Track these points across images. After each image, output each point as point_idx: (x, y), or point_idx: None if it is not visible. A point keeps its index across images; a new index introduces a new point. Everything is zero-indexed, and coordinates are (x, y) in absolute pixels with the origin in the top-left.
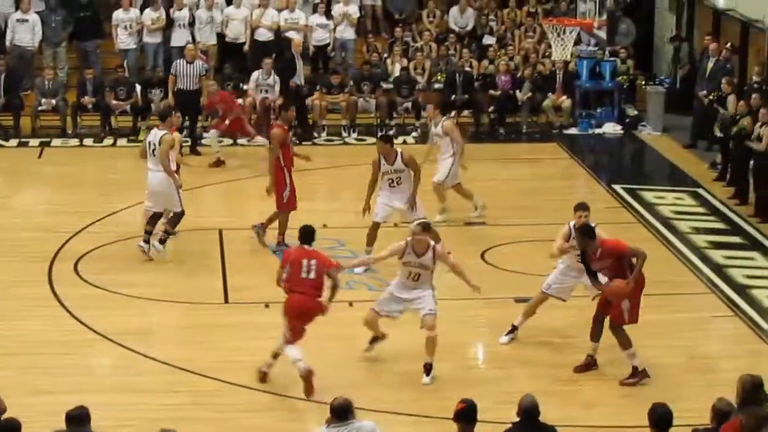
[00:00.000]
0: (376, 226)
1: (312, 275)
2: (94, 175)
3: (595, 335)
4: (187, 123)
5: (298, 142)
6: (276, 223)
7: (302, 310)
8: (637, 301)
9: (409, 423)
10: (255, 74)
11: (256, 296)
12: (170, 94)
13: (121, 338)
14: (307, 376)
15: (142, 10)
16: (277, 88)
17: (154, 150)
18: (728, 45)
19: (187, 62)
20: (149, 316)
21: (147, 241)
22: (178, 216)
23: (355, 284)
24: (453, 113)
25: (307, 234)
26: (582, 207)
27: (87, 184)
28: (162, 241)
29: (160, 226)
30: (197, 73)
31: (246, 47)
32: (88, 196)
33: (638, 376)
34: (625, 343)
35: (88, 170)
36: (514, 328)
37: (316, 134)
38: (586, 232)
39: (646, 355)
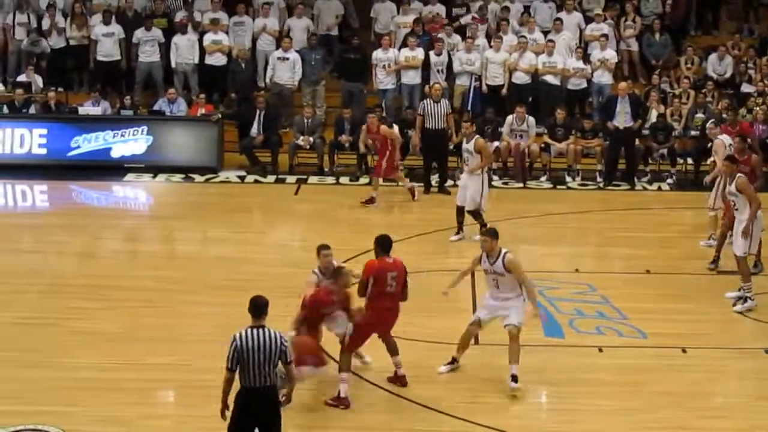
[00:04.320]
0: None
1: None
2: (348, 213)
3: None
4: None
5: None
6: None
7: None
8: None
9: None
10: (509, 119)
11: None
12: (417, 135)
13: (365, 374)
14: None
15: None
16: (532, 132)
17: None
18: None
19: (433, 101)
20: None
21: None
22: None
23: (605, 330)
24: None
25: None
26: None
27: (341, 222)
28: None
29: None
30: (444, 112)
31: (504, 90)
32: (342, 234)
33: (339, 401)
34: (343, 366)
35: (342, 208)
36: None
37: (570, 178)
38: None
39: None
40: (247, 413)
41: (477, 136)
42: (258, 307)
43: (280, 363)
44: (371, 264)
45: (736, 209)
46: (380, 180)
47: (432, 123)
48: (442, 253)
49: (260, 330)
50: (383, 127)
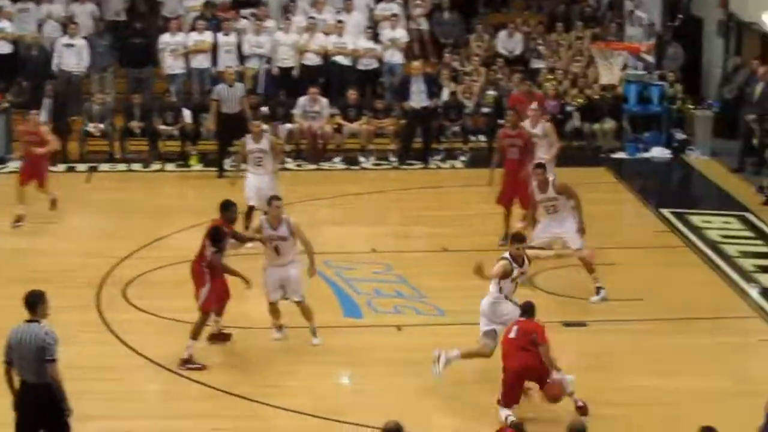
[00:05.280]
0: None
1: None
2: (141, 200)
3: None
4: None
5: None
6: None
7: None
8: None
9: None
10: (301, 100)
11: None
12: (212, 119)
13: (170, 363)
14: None
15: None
16: (325, 114)
17: None
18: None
19: (228, 86)
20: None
21: None
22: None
23: (403, 308)
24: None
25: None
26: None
27: (135, 209)
28: None
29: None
30: (239, 95)
31: (295, 72)
32: (136, 221)
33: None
34: (194, 331)
35: (135, 195)
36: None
37: (364, 158)
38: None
39: (696, 378)
40: (24, 409)
41: (267, 134)
42: (29, 302)
43: None
44: None
45: (557, 211)
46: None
47: (227, 107)
48: None
49: (30, 324)
50: (43, 127)
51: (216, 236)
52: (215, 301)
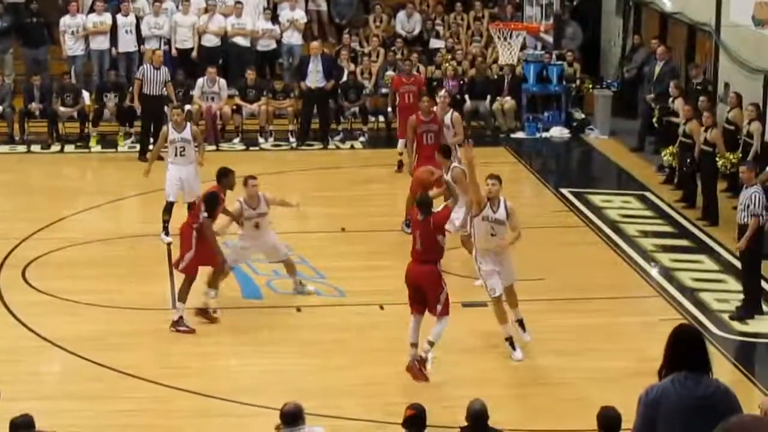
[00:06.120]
0: None
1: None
2: (41, 181)
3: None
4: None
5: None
6: None
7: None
8: (198, 256)
9: (357, 428)
10: (200, 81)
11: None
12: (136, 99)
13: (69, 344)
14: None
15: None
16: (224, 95)
17: None
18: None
19: (154, 68)
20: (97, 322)
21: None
22: None
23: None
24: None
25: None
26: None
27: (34, 191)
28: None
29: None
30: (163, 78)
31: (194, 54)
32: (36, 202)
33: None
34: (180, 295)
35: (35, 177)
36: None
37: (263, 139)
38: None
39: (596, 358)
40: None
41: (189, 123)
42: None
43: None
44: None
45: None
46: None
47: (150, 88)
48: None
49: None
50: None
51: (211, 201)
52: (195, 267)
